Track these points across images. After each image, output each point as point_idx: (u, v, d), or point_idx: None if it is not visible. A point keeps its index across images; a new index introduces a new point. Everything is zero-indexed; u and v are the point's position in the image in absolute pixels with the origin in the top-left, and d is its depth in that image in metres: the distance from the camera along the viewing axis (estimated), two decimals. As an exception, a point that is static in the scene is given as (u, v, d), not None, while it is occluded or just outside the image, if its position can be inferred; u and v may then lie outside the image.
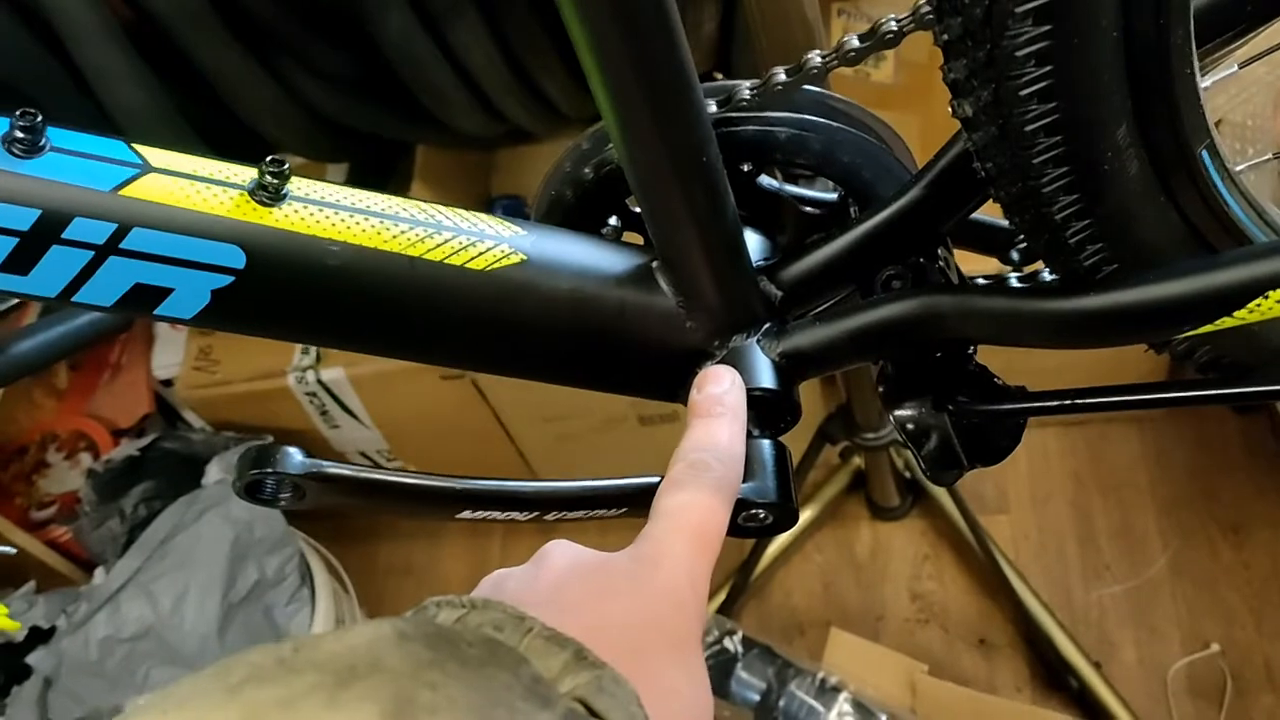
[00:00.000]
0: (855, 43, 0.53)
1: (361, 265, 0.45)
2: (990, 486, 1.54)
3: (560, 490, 0.48)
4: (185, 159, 0.43)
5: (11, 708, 1.23)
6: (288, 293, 0.44)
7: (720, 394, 0.47)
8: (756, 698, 1.29)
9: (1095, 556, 1.47)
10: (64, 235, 0.40)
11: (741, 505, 0.46)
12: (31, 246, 0.40)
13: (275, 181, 0.43)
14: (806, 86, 0.54)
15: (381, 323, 0.47)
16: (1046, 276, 0.53)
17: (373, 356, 0.51)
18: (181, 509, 1.34)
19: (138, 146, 0.42)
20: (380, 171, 1.42)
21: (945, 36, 0.43)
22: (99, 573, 1.36)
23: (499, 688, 0.27)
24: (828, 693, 1.27)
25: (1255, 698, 1.32)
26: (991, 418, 0.55)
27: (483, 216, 0.49)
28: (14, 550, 1.30)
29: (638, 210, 0.56)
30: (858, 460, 1.54)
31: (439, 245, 0.46)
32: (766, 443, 0.48)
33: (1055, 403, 0.53)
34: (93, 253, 0.40)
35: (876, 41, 0.52)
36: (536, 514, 0.48)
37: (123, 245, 0.41)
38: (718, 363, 0.51)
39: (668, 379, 0.52)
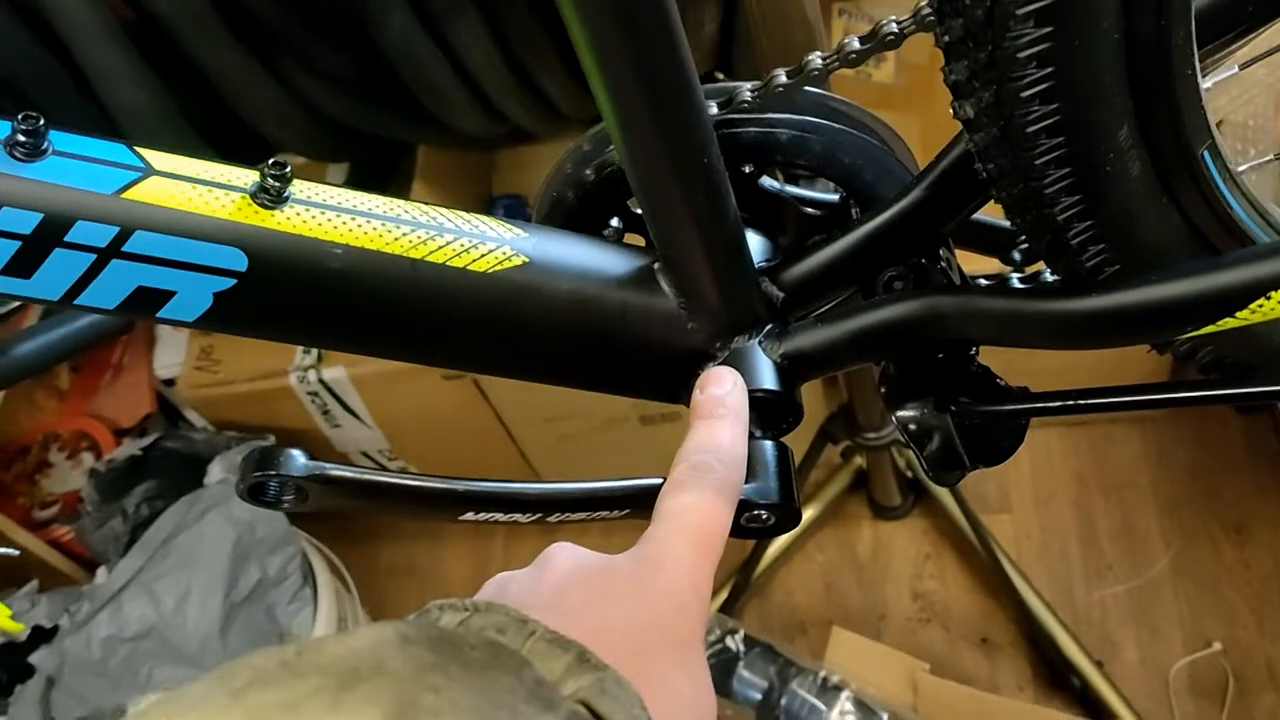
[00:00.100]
0: (856, 44, 0.53)
1: (364, 267, 0.45)
2: (992, 486, 1.54)
3: (563, 492, 0.48)
4: (187, 162, 0.43)
5: (14, 707, 1.23)
6: (290, 295, 0.44)
7: (722, 395, 0.47)
8: (758, 696, 1.29)
9: (1097, 556, 1.47)
10: (67, 238, 0.40)
11: (744, 506, 0.46)
12: (34, 250, 0.40)
13: (277, 184, 0.43)
14: (807, 88, 0.54)
15: (383, 325, 0.47)
16: (1048, 277, 0.53)
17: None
18: (184, 508, 1.34)
19: (140, 150, 0.42)
20: (381, 172, 1.42)
21: (946, 38, 0.43)
22: (101, 572, 1.36)
23: (502, 690, 0.27)
24: (829, 691, 1.27)
25: (1257, 697, 1.32)
26: (994, 418, 0.55)
27: (484, 219, 0.49)
28: (17, 552, 1.30)
29: (639, 212, 0.56)
30: (859, 460, 1.54)
31: (441, 247, 0.46)
32: (769, 443, 0.48)
33: (1058, 403, 0.53)
34: (95, 256, 0.40)
35: (878, 43, 0.52)
36: (539, 515, 0.48)
37: (125, 248, 0.41)
38: (719, 364, 0.51)
39: (670, 380, 0.52)
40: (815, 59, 0.53)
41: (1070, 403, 0.53)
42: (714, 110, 0.54)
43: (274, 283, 0.44)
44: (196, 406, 1.54)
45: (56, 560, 1.45)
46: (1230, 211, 0.47)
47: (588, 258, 0.51)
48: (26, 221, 0.39)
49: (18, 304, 1.00)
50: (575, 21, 0.42)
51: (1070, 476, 1.54)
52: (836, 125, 0.55)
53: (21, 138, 0.39)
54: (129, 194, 0.41)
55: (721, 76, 1.19)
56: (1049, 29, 0.39)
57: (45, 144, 0.40)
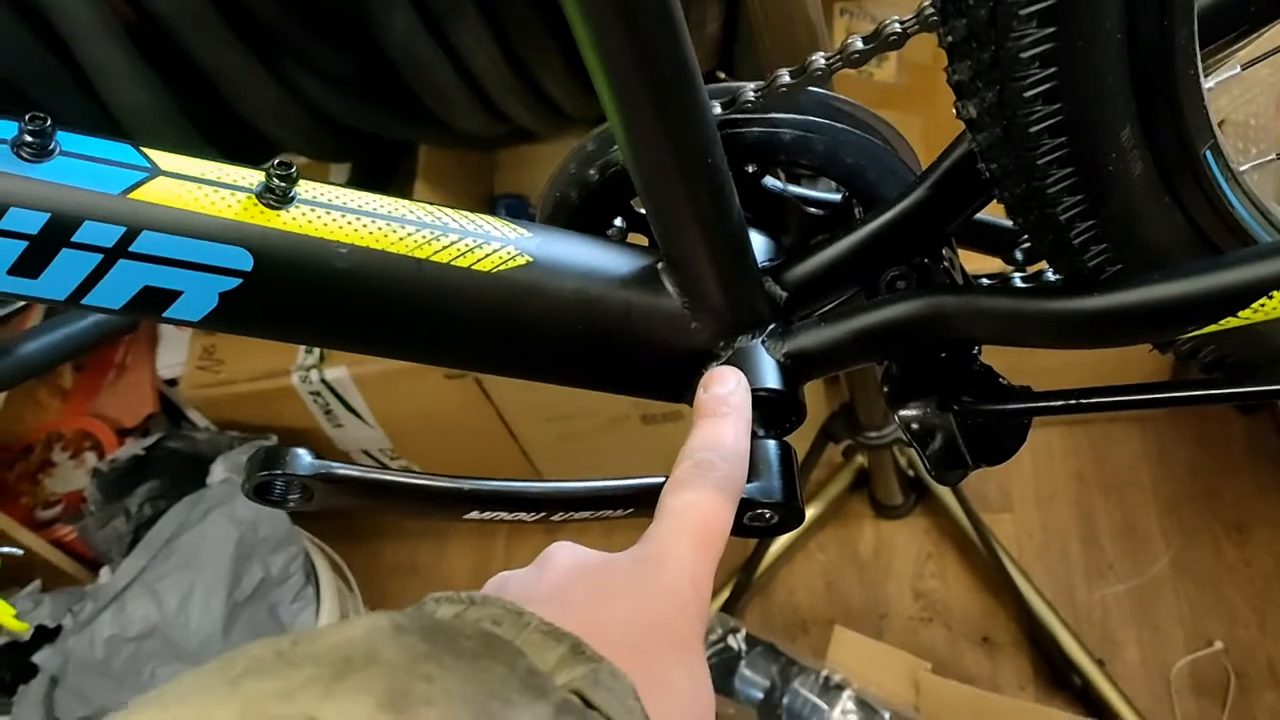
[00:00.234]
0: (859, 44, 0.53)
1: (369, 267, 0.45)
2: (994, 485, 1.54)
3: (566, 491, 0.48)
4: (193, 162, 0.43)
5: (17, 706, 1.23)
6: (295, 295, 0.45)
7: (725, 394, 0.47)
8: (760, 695, 1.30)
9: (1098, 555, 1.47)
10: (73, 238, 0.40)
11: (747, 505, 0.46)
12: (41, 250, 0.40)
13: (283, 184, 0.43)
14: (810, 88, 0.54)
15: (388, 324, 0.47)
16: (1051, 277, 0.53)
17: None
18: (186, 508, 1.34)
19: (146, 150, 0.42)
20: (383, 171, 1.42)
21: (950, 38, 0.43)
22: (104, 572, 1.36)
23: (494, 680, 0.28)
24: (831, 690, 1.28)
25: (1258, 695, 1.32)
26: (996, 418, 0.55)
27: (489, 218, 0.49)
28: (20, 552, 1.30)
29: (643, 211, 0.56)
30: (861, 459, 1.54)
31: (446, 247, 0.46)
32: (772, 443, 0.49)
33: (1059, 403, 0.53)
34: (102, 256, 0.41)
35: (881, 43, 0.53)
36: (543, 514, 0.48)
37: (132, 248, 0.41)
38: (723, 364, 0.51)
39: (673, 380, 0.52)
40: (819, 59, 0.53)
41: (1072, 402, 0.53)
42: (717, 110, 0.54)
43: (279, 283, 0.44)
44: (199, 406, 1.54)
45: (59, 560, 1.46)
46: (1232, 211, 0.47)
47: (592, 257, 0.51)
48: (34, 222, 0.39)
49: (22, 304, 1.00)
50: (579, 20, 0.42)
51: (1071, 476, 1.54)
52: (839, 125, 0.55)
53: (29, 138, 0.39)
54: (135, 194, 0.41)
55: (724, 76, 1.19)
56: (1052, 29, 0.40)
57: (52, 144, 0.40)
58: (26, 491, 1.58)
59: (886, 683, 1.33)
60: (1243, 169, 0.48)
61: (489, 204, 1.56)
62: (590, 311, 0.50)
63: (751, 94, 0.54)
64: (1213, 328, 0.45)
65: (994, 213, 0.55)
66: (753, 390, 0.49)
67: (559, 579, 0.39)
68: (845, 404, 1.37)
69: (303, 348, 1.44)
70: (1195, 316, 0.46)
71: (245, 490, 0.44)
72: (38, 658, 1.25)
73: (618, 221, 0.58)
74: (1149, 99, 0.43)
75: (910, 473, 1.52)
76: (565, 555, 0.40)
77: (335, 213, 0.45)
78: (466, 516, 0.47)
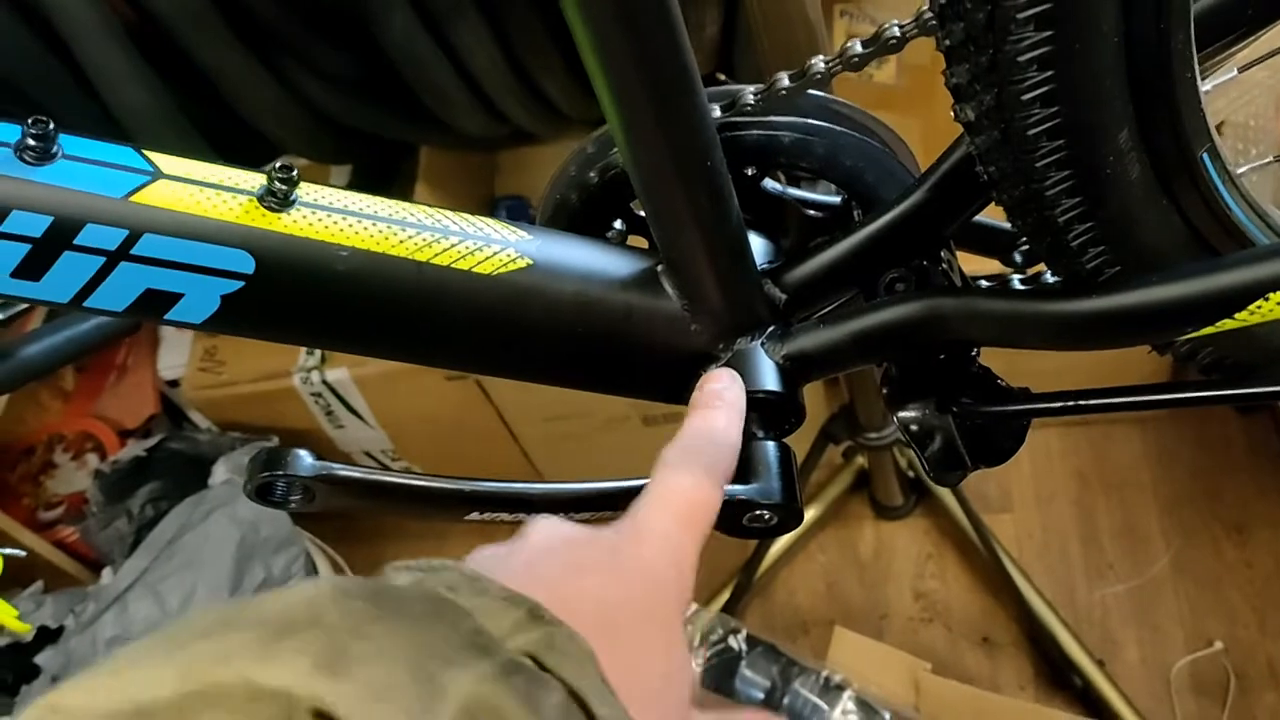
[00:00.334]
0: (858, 48, 0.53)
1: (369, 270, 0.45)
2: (993, 486, 1.54)
3: (567, 491, 0.48)
4: (195, 165, 0.43)
5: (19, 708, 1.23)
6: (296, 297, 0.45)
7: (720, 389, 0.48)
8: (761, 696, 1.30)
9: (1098, 555, 1.47)
10: (76, 241, 0.40)
11: (746, 506, 0.46)
12: (44, 253, 0.40)
13: (284, 187, 0.43)
14: (810, 90, 0.55)
15: (389, 327, 0.48)
16: (1049, 279, 0.53)
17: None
18: (188, 509, 1.34)
19: (148, 153, 0.43)
20: (383, 172, 1.42)
21: (948, 42, 0.43)
22: (106, 573, 1.37)
23: (436, 639, 0.27)
24: (832, 691, 1.28)
25: (1258, 695, 1.32)
26: (995, 419, 0.55)
27: (489, 221, 0.49)
28: (23, 553, 1.30)
29: (642, 214, 0.56)
30: (861, 460, 1.54)
31: (446, 250, 0.47)
32: (771, 444, 0.49)
33: (1059, 404, 0.53)
34: (104, 259, 0.41)
35: (880, 46, 0.53)
36: (544, 515, 0.48)
37: (134, 251, 0.41)
38: (722, 365, 0.52)
39: (673, 382, 0.53)
40: (818, 62, 0.53)
41: (1071, 403, 0.53)
42: (717, 113, 0.54)
43: (281, 285, 0.44)
44: (200, 407, 1.54)
45: (62, 561, 1.46)
46: (1229, 213, 0.47)
47: (591, 260, 0.51)
48: (36, 225, 0.39)
49: (23, 306, 1.00)
50: (579, 22, 0.42)
51: (1071, 476, 1.54)
52: (838, 128, 0.55)
53: (31, 142, 0.40)
54: (138, 197, 0.41)
55: (723, 78, 1.19)
56: (1049, 32, 0.40)
57: (55, 148, 0.40)
58: (28, 493, 1.58)
59: (887, 683, 1.33)
60: (1240, 171, 0.48)
61: (490, 206, 1.56)
62: (590, 314, 0.50)
63: (751, 97, 0.55)
64: (1210, 329, 0.46)
65: (992, 215, 0.55)
66: (752, 392, 0.49)
67: (533, 552, 0.38)
68: (845, 405, 1.37)
69: (304, 349, 1.44)
70: (1193, 318, 0.46)
71: (247, 491, 0.44)
72: (40, 659, 1.25)
73: (617, 224, 0.58)
74: (1146, 102, 0.43)
75: (910, 474, 1.52)
76: (543, 528, 0.40)
77: (336, 215, 0.45)
78: (467, 517, 0.47)
